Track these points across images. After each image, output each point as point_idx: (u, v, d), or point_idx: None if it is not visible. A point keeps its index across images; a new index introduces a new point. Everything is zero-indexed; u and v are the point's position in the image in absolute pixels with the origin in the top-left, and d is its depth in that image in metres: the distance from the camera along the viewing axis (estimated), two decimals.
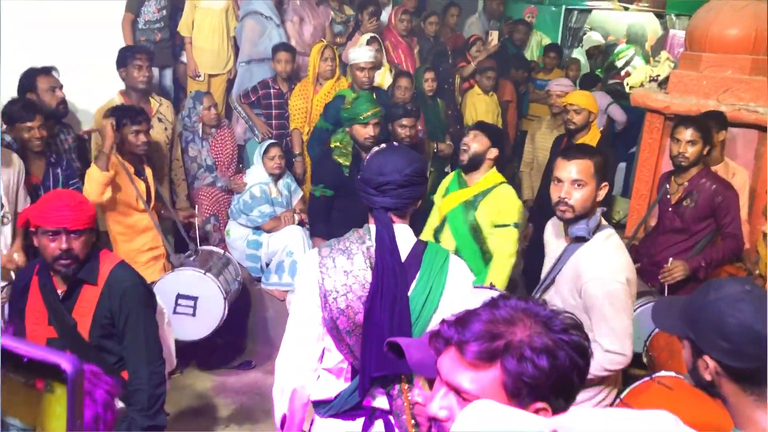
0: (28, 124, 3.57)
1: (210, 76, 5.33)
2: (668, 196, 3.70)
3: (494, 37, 6.26)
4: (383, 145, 2.15)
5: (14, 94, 3.90)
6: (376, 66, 4.87)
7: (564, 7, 8.83)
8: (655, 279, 3.55)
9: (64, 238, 2.32)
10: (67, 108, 4.12)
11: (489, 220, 3.42)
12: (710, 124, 3.64)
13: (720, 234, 3.57)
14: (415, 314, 2.00)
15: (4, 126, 3.58)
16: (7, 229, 3.44)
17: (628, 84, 5.08)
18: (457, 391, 1.11)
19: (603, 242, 2.44)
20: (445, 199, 3.58)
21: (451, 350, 1.13)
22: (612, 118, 6.26)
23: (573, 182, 2.42)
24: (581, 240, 2.46)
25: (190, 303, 3.81)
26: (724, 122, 3.85)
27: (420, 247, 2.06)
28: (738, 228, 3.54)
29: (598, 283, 2.36)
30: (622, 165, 6.15)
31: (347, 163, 4.00)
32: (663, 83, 4.51)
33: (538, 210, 4.52)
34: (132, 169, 3.84)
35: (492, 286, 3.12)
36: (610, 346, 2.35)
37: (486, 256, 3.46)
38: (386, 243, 1.99)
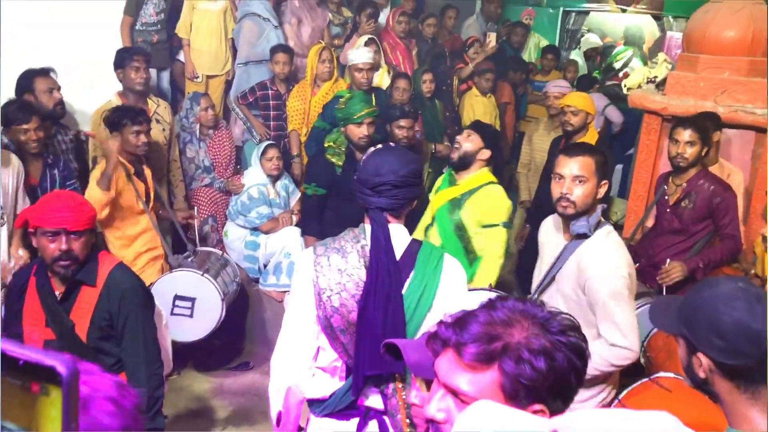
0: (25, 126, 3.55)
1: (208, 77, 5.33)
2: (666, 197, 3.70)
3: (492, 39, 6.27)
4: (380, 146, 2.15)
5: (13, 94, 3.89)
6: (374, 67, 4.88)
7: (562, 9, 8.82)
8: (653, 280, 3.55)
9: (63, 239, 2.32)
10: (65, 109, 4.12)
11: (475, 220, 3.38)
12: (707, 125, 3.65)
13: (718, 235, 3.57)
14: (409, 313, 2.00)
15: (1, 127, 3.57)
16: (4, 230, 3.43)
17: (625, 85, 5.07)
18: (455, 393, 1.11)
19: (604, 238, 2.47)
20: (435, 197, 3.57)
21: (449, 352, 1.12)
22: (609, 119, 6.25)
23: (575, 178, 2.44)
24: (581, 237, 2.48)
25: (187, 304, 3.81)
26: (719, 122, 3.86)
27: (415, 246, 2.07)
28: (736, 229, 3.54)
29: (601, 279, 2.38)
30: (619, 167, 6.15)
31: (340, 163, 3.99)
32: (660, 85, 4.52)
33: (536, 211, 4.52)
34: (132, 170, 3.84)
35: (490, 288, 3.12)
36: (617, 341, 2.36)
37: (470, 256, 3.41)
38: (381, 242, 2.00)
